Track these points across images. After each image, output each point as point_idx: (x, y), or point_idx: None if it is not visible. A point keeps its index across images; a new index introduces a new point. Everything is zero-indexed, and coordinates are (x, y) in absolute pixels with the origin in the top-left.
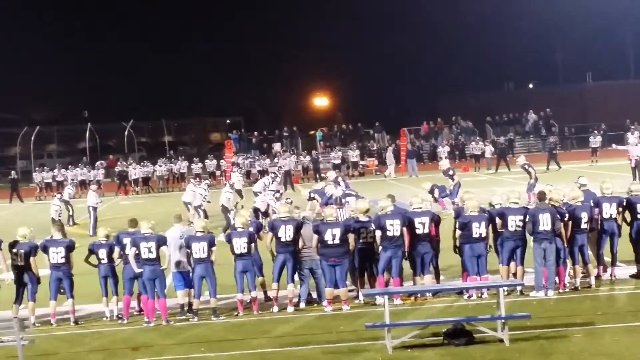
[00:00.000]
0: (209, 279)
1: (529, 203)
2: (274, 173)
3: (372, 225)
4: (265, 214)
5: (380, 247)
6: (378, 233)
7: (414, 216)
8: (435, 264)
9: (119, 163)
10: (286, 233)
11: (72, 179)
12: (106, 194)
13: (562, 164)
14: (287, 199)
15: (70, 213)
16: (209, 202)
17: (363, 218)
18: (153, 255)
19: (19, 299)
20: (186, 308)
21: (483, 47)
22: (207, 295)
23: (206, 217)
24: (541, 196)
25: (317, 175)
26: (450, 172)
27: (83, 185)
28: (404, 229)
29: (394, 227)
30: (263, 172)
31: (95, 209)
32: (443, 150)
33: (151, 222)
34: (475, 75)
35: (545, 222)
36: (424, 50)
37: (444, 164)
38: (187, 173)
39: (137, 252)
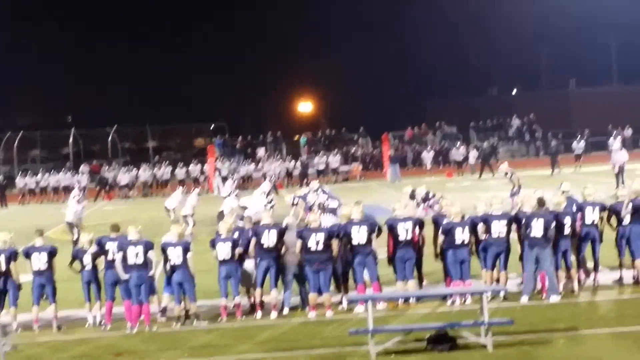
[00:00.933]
0: (187, 284)
1: (512, 208)
2: (270, 178)
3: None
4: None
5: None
6: (345, 240)
7: (397, 222)
8: (419, 269)
9: (102, 168)
10: (269, 239)
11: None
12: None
13: (544, 169)
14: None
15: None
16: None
17: (344, 223)
18: (140, 261)
19: (0, 305)
20: (176, 315)
21: (467, 53)
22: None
23: (193, 225)
24: (540, 202)
25: (304, 181)
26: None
27: (66, 190)
28: (373, 235)
29: (360, 234)
30: (247, 178)
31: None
32: (428, 156)
33: (138, 227)
34: (459, 80)
35: (538, 228)
36: (408, 55)
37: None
38: (171, 179)
39: (123, 256)
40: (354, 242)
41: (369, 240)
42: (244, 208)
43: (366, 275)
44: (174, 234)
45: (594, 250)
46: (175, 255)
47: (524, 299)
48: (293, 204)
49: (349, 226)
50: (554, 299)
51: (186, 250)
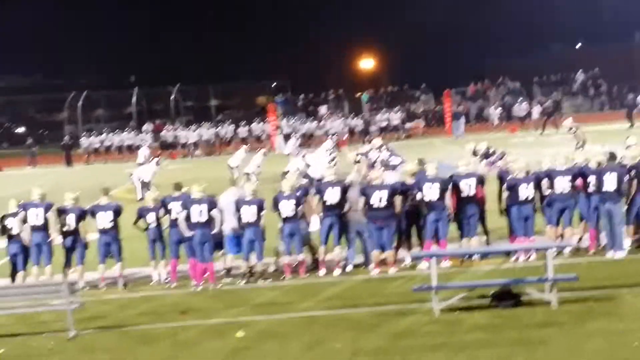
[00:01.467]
0: (257, 243)
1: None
2: (332, 137)
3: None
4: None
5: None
6: (419, 195)
7: (459, 178)
8: (483, 225)
9: (166, 127)
10: (332, 196)
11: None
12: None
13: (610, 124)
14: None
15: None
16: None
17: (410, 181)
18: (204, 219)
19: (68, 263)
20: (242, 272)
21: (530, 8)
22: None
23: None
24: (612, 156)
25: (366, 138)
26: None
27: (129, 150)
28: (447, 192)
29: (432, 190)
30: (309, 136)
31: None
32: (494, 112)
33: (202, 185)
34: (521, 37)
35: (611, 182)
36: (470, 12)
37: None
38: (234, 137)
39: (187, 215)
40: (426, 198)
41: (442, 197)
42: (308, 166)
43: None
44: (248, 192)
45: None
46: (249, 213)
47: (616, 254)
48: (355, 162)
49: (422, 182)
50: (620, 254)
51: (260, 208)
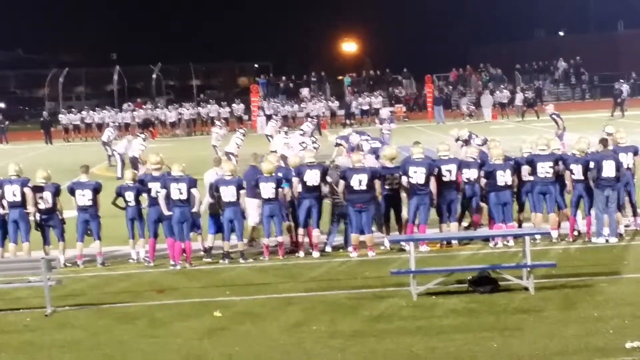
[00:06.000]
0: (237, 222)
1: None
2: (312, 120)
3: (399, 171)
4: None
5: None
6: (404, 179)
7: (440, 163)
8: (463, 210)
9: (144, 106)
10: (312, 178)
11: (113, 122)
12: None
13: (590, 112)
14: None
15: (109, 153)
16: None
17: (389, 164)
18: (184, 197)
19: (46, 241)
20: (217, 252)
21: None
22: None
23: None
24: (604, 143)
25: (348, 121)
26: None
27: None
28: (432, 177)
29: (417, 175)
30: (291, 118)
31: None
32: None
33: (182, 165)
34: (505, 23)
35: (610, 169)
36: None
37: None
38: (216, 117)
39: (167, 193)
40: (412, 181)
41: (427, 182)
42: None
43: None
44: (226, 171)
45: (629, 194)
46: (229, 193)
47: (596, 240)
48: (336, 145)
49: (407, 165)
50: (613, 240)
51: (239, 187)
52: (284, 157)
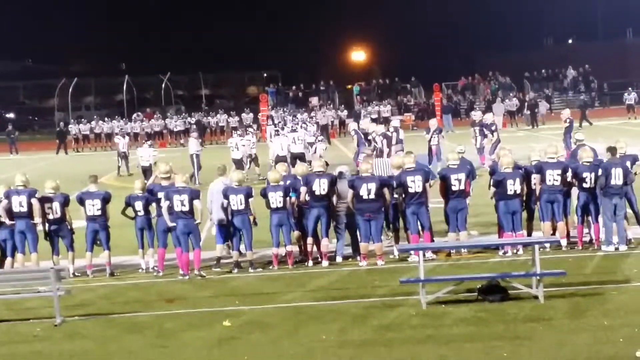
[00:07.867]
0: (245, 232)
1: (565, 158)
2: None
3: (394, 181)
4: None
5: (404, 205)
6: (400, 190)
7: (450, 172)
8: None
9: (155, 116)
10: (320, 187)
11: (124, 131)
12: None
13: (598, 120)
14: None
15: (119, 164)
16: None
17: (397, 173)
18: (186, 209)
19: (55, 251)
20: (227, 261)
21: (523, 3)
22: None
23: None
24: (612, 151)
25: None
26: (493, 128)
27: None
28: (426, 184)
29: (415, 184)
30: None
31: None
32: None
33: (185, 175)
34: (514, 32)
35: (617, 177)
36: (462, 6)
37: (489, 117)
38: (226, 126)
39: (170, 205)
40: (410, 191)
41: (424, 190)
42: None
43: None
44: (234, 180)
45: (630, 203)
46: (237, 201)
47: (605, 248)
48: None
49: (403, 175)
50: (606, 249)
51: (248, 196)
52: (284, 159)
